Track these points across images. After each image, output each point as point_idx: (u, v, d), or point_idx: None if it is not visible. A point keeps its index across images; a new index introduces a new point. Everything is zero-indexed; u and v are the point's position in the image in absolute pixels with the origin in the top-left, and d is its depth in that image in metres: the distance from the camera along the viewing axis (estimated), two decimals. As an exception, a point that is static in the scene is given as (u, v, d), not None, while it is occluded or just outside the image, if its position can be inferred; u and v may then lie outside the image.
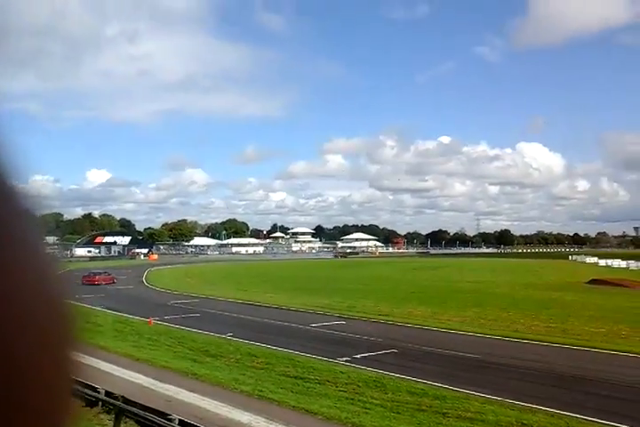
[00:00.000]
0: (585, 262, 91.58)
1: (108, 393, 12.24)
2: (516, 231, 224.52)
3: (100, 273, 48.14)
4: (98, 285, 43.07)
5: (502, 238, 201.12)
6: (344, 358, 17.23)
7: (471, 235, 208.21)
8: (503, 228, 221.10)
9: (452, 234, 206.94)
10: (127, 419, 11.10)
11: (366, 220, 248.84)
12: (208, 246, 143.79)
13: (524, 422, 11.23)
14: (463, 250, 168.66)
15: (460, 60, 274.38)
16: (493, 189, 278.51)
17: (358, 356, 17.59)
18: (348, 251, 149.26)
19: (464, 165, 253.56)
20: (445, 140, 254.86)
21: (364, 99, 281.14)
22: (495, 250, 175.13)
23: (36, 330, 0.33)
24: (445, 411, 12.06)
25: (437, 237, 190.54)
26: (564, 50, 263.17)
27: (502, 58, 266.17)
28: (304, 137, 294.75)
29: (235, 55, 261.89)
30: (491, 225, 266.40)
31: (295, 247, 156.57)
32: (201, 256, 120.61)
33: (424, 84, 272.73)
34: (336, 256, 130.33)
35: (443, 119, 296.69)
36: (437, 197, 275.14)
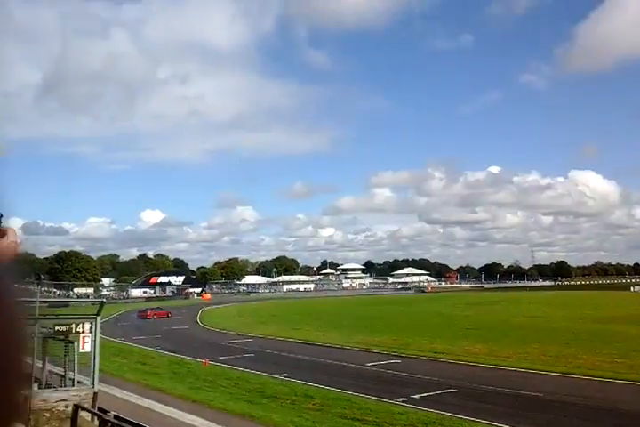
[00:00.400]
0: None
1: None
2: (573, 262, 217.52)
3: (153, 309, 54.42)
4: (149, 319, 48.38)
5: (559, 270, 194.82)
6: (401, 399, 16.87)
7: (526, 267, 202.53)
8: (559, 259, 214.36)
9: (506, 267, 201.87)
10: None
11: (416, 254, 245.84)
12: (259, 284, 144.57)
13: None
14: (519, 283, 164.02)
15: (506, 89, 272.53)
16: (547, 220, 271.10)
17: (416, 396, 17.19)
18: (400, 286, 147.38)
19: (515, 196, 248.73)
20: (495, 170, 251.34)
21: (410, 131, 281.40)
22: (552, 282, 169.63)
23: None
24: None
25: (491, 271, 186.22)
26: (614, 75, 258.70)
27: (550, 85, 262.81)
28: (351, 172, 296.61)
29: (281, 92, 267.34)
30: (546, 257, 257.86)
31: (345, 283, 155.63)
32: (252, 295, 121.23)
33: (471, 115, 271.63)
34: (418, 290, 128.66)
35: (492, 149, 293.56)
36: (489, 229, 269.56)
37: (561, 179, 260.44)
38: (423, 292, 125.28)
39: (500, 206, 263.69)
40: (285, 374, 21.00)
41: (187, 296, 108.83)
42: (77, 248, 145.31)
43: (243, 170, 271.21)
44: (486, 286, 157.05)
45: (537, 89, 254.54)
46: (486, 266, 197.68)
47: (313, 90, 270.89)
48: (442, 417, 14.63)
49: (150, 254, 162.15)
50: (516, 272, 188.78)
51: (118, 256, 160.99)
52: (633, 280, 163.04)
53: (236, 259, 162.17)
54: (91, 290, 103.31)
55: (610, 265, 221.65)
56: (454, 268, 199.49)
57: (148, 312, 55.00)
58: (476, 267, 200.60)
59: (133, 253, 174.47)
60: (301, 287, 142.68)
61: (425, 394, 17.47)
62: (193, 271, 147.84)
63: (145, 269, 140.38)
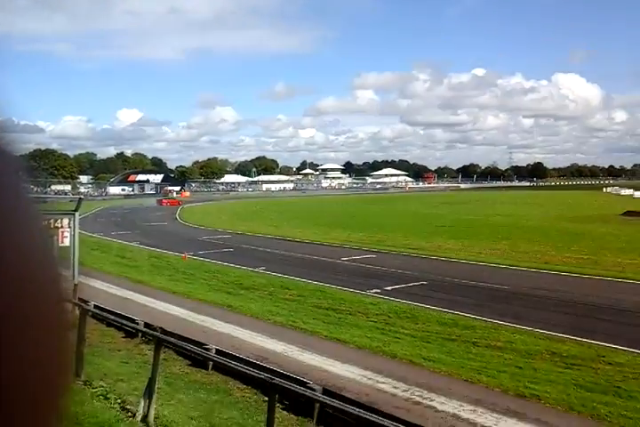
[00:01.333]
0: (620, 194, 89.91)
1: (147, 325, 12.71)
2: (550, 164, 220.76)
3: (167, 198, 75.14)
4: (164, 206, 67.10)
5: (535, 171, 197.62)
6: (374, 291, 17.49)
7: (503, 169, 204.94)
8: (536, 161, 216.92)
9: (483, 168, 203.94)
10: (166, 349, 11.56)
11: (396, 155, 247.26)
12: (238, 184, 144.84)
13: (554, 350, 11.36)
14: (495, 184, 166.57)
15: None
16: (527, 122, 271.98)
17: (388, 288, 17.83)
18: (378, 186, 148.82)
19: (498, 98, 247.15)
20: (479, 72, 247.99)
21: (395, 32, 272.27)
22: (528, 183, 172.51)
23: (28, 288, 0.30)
24: (475, 340, 12.25)
25: (469, 172, 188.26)
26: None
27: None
28: (334, 72, 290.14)
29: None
30: (524, 158, 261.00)
31: (325, 183, 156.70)
32: (232, 193, 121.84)
33: (458, 15, 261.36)
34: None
35: (477, 51, 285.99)
36: (470, 131, 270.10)
37: (544, 82, 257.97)
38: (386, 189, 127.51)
39: (483, 109, 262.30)
40: (263, 268, 21.52)
41: (166, 194, 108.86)
42: (54, 146, 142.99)
43: (222, 70, 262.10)
44: (463, 186, 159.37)
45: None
46: (464, 167, 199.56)
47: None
48: (412, 307, 15.26)
49: (128, 153, 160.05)
50: (492, 173, 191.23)
51: (95, 155, 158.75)
52: (606, 181, 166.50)
53: (215, 158, 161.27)
54: (68, 187, 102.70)
55: (585, 167, 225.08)
56: (433, 169, 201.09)
57: (163, 200, 75.73)
58: (455, 168, 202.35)
59: (111, 151, 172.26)
60: (281, 187, 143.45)
61: (397, 286, 18.11)
62: (171, 170, 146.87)
63: (123, 167, 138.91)
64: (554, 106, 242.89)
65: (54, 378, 0.31)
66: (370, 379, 10.27)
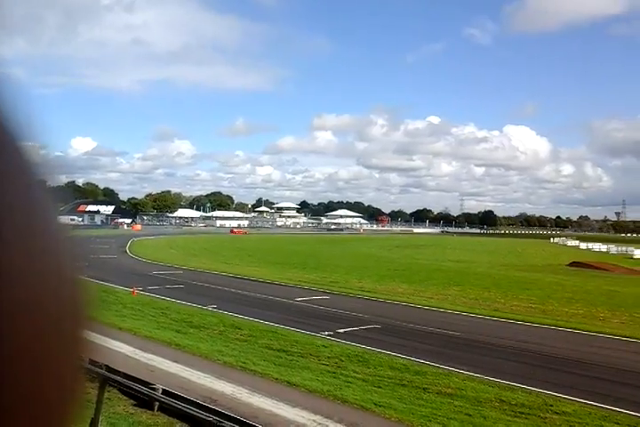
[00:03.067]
0: (566, 245, 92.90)
1: (91, 361, 12.24)
2: (500, 213, 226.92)
3: (238, 228, 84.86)
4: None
5: (486, 219, 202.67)
6: (327, 333, 17.36)
7: (455, 215, 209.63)
8: (487, 209, 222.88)
9: (435, 213, 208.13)
10: (110, 387, 11.14)
11: (352, 197, 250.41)
12: (192, 218, 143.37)
13: (503, 398, 11.44)
14: (446, 229, 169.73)
15: (451, 42, 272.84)
16: (479, 171, 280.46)
17: (341, 331, 17.74)
18: (333, 227, 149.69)
19: (451, 146, 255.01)
20: (435, 120, 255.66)
21: (354, 76, 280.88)
22: (478, 230, 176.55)
23: (46, 308, 0.31)
24: (426, 386, 12.24)
25: (421, 216, 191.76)
26: (558, 37, 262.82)
27: (494, 41, 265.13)
28: (293, 112, 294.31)
29: (226, 27, 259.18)
30: (475, 206, 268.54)
31: (280, 222, 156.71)
32: (185, 228, 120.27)
33: (415, 64, 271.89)
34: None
35: (433, 100, 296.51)
36: (423, 177, 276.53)
37: (496, 132, 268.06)
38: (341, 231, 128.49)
39: (436, 156, 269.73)
40: (214, 306, 21.15)
41: (116, 226, 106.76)
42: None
43: (182, 103, 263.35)
44: (415, 230, 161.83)
45: (481, 44, 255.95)
46: (417, 211, 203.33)
47: (258, 27, 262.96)
48: (364, 351, 15.19)
49: (80, 182, 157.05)
50: (445, 219, 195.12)
51: (45, 182, 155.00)
52: (553, 232, 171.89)
53: (169, 192, 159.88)
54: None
55: (533, 217, 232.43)
56: (387, 212, 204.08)
57: (235, 230, 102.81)
58: (408, 212, 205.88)
59: (61, 179, 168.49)
60: (235, 223, 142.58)
61: (349, 329, 18.04)
62: (124, 202, 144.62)
63: (73, 197, 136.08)
64: (505, 156, 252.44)
65: (67, 378, 0.33)
66: (319, 424, 10.10)
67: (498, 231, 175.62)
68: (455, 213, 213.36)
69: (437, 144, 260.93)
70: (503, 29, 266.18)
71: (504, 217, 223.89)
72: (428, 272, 37.41)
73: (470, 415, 10.57)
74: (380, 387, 12.34)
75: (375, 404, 11.11)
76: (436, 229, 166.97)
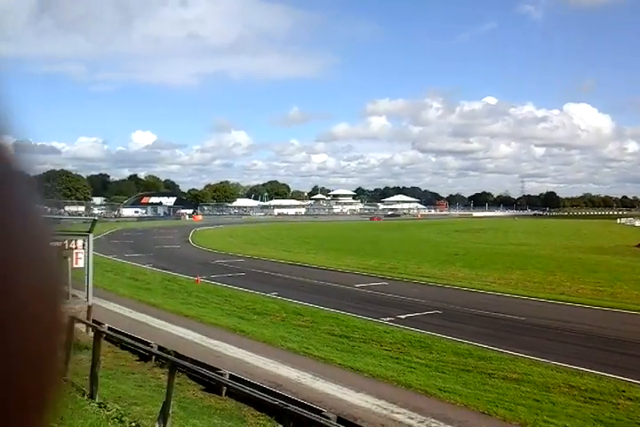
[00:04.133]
0: (634, 225, 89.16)
1: (160, 348, 12.69)
2: (562, 194, 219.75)
3: (377, 216, 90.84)
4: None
5: (548, 201, 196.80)
6: (387, 319, 17.37)
7: (515, 197, 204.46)
8: (549, 190, 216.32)
9: (495, 196, 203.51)
10: (180, 373, 11.51)
11: (408, 182, 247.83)
12: (250, 208, 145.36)
13: (572, 384, 11.18)
14: (507, 212, 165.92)
15: (504, 19, 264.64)
16: (539, 151, 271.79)
17: (402, 316, 17.70)
18: (389, 213, 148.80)
19: (510, 127, 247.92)
20: (491, 100, 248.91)
21: (407, 60, 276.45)
22: (540, 212, 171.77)
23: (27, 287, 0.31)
24: (491, 372, 12.10)
25: (480, 200, 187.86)
26: (616, 8, 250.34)
27: (549, 16, 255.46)
28: (346, 99, 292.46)
29: (275, 16, 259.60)
30: (536, 187, 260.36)
31: (336, 209, 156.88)
32: (243, 217, 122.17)
33: (469, 44, 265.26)
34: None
35: (489, 80, 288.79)
36: (481, 159, 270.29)
37: (556, 111, 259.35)
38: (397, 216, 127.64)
39: (494, 137, 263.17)
40: (276, 293, 21.48)
41: (178, 217, 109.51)
42: (69, 168, 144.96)
43: (237, 94, 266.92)
44: (475, 214, 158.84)
45: (536, 19, 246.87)
46: (476, 195, 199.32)
47: (307, 14, 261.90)
48: (426, 336, 15.12)
49: (142, 175, 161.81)
50: (505, 202, 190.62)
51: (109, 176, 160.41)
52: (620, 212, 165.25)
53: (227, 182, 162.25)
54: (82, 208, 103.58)
55: (598, 197, 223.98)
56: (444, 196, 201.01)
57: (374, 218, 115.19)
58: (466, 196, 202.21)
59: (125, 173, 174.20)
60: (292, 211, 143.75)
61: (410, 315, 17.97)
62: (184, 193, 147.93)
63: (136, 189, 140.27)
64: (566, 135, 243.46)
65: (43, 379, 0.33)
66: (385, 409, 10.16)
67: (561, 213, 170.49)
68: (516, 195, 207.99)
69: (495, 125, 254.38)
70: (558, 2, 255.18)
71: (567, 198, 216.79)
72: (489, 256, 36.72)
73: (538, 401, 10.39)
74: (443, 372, 12.28)
75: (439, 389, 11.08)
76: (497, 213, 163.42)
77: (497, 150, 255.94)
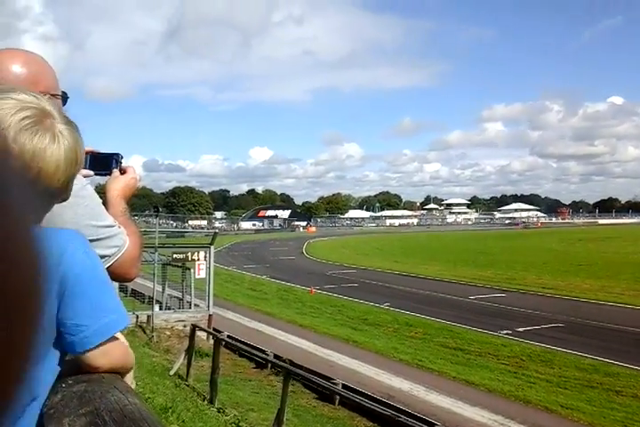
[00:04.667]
0: None
1: (276, 356, 13.09)
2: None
3: (522, 222, 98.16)
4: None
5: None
6: (505, 331, 16.77)
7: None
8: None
9: (623, 202, 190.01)
10: (294, 381, 11.81)
11: (526, 189, 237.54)
12: (362, 219, 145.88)
13: None
14: (637, 219, 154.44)
15: (629, 14, 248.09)
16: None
17: (521, 329, 17.01)
18: (507, 222, 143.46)
19: (638, 128, 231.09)
20: (617, 100, 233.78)
21: (522, 63, 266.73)
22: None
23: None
24: (619, 389, 11.34)
25: (607, 206, 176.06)
26: None
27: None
28: (460, 106, 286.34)
29: (384, 27, 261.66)
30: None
31: (450, 219, 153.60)
32: (356, 228, 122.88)
33: (590, 43, 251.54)
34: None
35: (614, 79, 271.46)
36: (607, 163, 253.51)
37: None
38: (527, 228, 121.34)
39: (621, 139, 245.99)
40: (388, 304, 21.42)
41: (293, 229, 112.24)
42: (192, 184, 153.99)
43: (348, 107, 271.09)
44: (601, 221, 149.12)
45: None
46: (601, 201, 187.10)
47: (418, 22, 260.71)
48: (546, 350, 14.45)
49: (259, 190, 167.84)
50: (634, 208, 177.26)
51: (229, 191, 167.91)
52: None
53: (339, 194, 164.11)
54: (204, 222, 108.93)
55: None
56: (567, 203, 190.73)
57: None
58: (591, 202, 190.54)
59: (243, 188, 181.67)
60: (404, 222, 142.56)
61: (530, 328, 17.23)
62: (299, 206, 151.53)
63: (254, 203, 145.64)
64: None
65: None
66: (502, 424, 9.85)
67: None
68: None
69: (622, 126, 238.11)
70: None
71: None
72: (617, 266, 34.31)
73: (673, 422, 9.60)
74: (566, 388, 11.69)
75: (561, 406, 10.56)
76: (625, 220, 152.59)
77: (624, 153, 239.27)
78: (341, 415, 10.53)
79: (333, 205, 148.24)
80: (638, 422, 9.70)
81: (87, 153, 1.34)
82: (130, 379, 1.23)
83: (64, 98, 1.38)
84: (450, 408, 10.65)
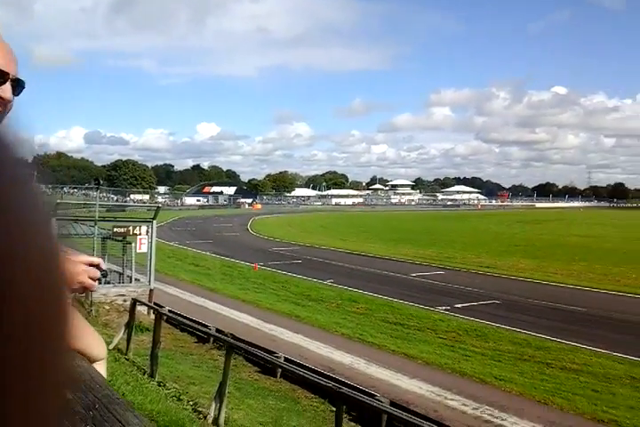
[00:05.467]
0: None
1: (218, 331, 13.02)
2: (632, 185, 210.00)
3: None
4: None
5: (615, 192, 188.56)
6: (443, 307, 17.22)
7: (581, 188, 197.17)
8: (617, 181, 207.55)
9: (560, 187, 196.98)
10: (236, 355, 11.79)
11: (469, 172, 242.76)
12: (308, 197, 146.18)
13: (635, 375, 10.82)
14: (572, 204, 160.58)
15: (576, 9, 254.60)
16: (609, 142, 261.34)
17: (458, 305, 17.51)
18: (449, 203, 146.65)
19: (579, 117, 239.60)
20: (561, 90, 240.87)
21: (474, 50, 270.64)
22: (607, 204, 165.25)
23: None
24: (549, 362, 11.85)
25: (544, 191, 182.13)
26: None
27: (624, 3, 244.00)
28: (410, 89, 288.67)
29: (341, 9, 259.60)
30: (603, 178, 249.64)
31: (394, 199, 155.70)
32: (302, 207, 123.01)
33: (538, 34, 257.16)
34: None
35: (558, 70, 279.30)
36: (547, 150, 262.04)
37: (629, 101, 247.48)
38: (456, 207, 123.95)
39: (562, 127, 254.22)
40: (331, 280, 21.62)
41: (238, 206, 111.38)
42: (136, 157, 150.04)
43: (300, 87, 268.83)
44: (538, 205, 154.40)
45: (609, 8, 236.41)
46: (540, 186, 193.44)
47: (371, 6, 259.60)
48: (482, 325, 14.93)
49: (205, 166, 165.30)
50: (570, 193, 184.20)
51: (173, 166, 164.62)
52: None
53: (286, 172, 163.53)
54: (146, 197, 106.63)
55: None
56: (507, 187, 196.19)
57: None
58: (530, 187, 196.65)
59: (189, 163, 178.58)
60: (350, 201, 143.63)
61: (467, 304, 17.76)
62: (245, 183, 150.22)
63: (199, 179, 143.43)
64: (639, 125, 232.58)
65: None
66: (438, 395, 10.13)
67: (629, 204, 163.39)
68: (582, 186, 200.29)
69: (563, 115, 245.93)
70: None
71: (636, 189, 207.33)
72: (552, 247, 35.69)
73: (598, 391, 10.13)
74: (499, 361, 12.12)
75: (495, 377, 10.95)
76: (561, 204, 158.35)
77: (564, 141, 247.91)
78: (283, 388, 10.61)
79: (280, 183, 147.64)
80: (565, 391, 10.17)
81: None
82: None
83: (17, 86, 1.11)
84: (389, 380, 10.89)
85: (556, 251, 33.41)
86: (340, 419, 7.44)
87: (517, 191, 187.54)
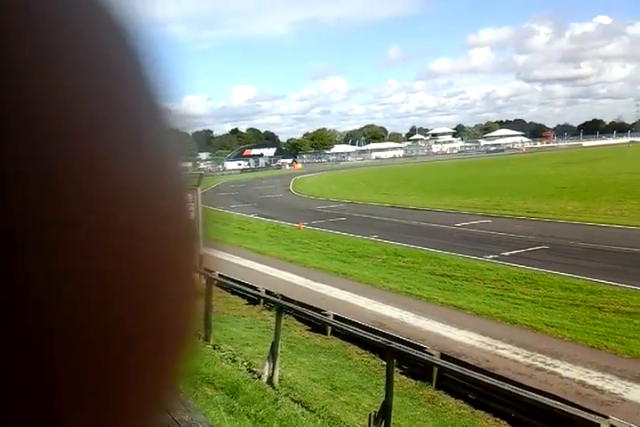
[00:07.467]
0: None
1: (267, 292, 13.28)
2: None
3: None
4: None
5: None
6: (491, 256, 17.07)
7: (630, 122, 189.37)
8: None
9: (607, 123, 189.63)
10: (287, 315, 12.05)
11: (512, 115, 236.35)
12: (348, 153, 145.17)
13: (691, 316, 10.60)
14: (621, 139, 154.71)
15: None
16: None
17: (506, 253, 17.32)
18: (492, 149, 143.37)
19: (625, 47, 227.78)
20: (605, 20, 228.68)
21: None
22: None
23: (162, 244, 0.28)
24: (602, 306, 11.68)
25: (591, 128, 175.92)
26: None
27: None
28: (446, 33, 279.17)
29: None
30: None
31: (435, 148, 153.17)
32: (341, 163, 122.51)
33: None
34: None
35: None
36: (593, 85, 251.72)
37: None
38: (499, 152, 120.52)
39: (607, 60, 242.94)
40: (376, 236, 21.64)
41: (279, 167, 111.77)
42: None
43: (332, 40, 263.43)
44: (585, 143, 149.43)
45: None
46: (586, 123, 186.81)
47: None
48: (532, 272, 14.76)
49: (243, 129, 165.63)
50: (618, 128, 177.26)
51: (212, 132, 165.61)
52: None
53: (324, 129, 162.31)
54: (189, 164, 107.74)
55: None
56: (552, 127, 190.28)
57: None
58: (575, 125, 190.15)
59: (227, 128, 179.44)
60: (390, 154, 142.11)
61: (515, 251, 17.54)
62: (284, 143, 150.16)
63: (238, 143, 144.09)
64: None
65: (178, 343, 0.30)
66: (489, 345, 10.16)
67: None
68: (630, 120, 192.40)
69: (608, 47, 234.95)
70: None
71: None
72: (601, 187, 34.64)
73: (653, 334, 9.96)
74: (550, 308, 12.02)
75: (546, 324, 10.89)
76: (610, 141, 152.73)
77: (610, 74, 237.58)
78: (334, 345, 10.82)
79: (318, 141, 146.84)
80: (619, 335, 10.05)
81: None
82: None
83: None
84: (439, 333, 10.96)
85: (606, 191, 32.44)
86: (390, 373, 7.56)
87: (563, 131, 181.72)
